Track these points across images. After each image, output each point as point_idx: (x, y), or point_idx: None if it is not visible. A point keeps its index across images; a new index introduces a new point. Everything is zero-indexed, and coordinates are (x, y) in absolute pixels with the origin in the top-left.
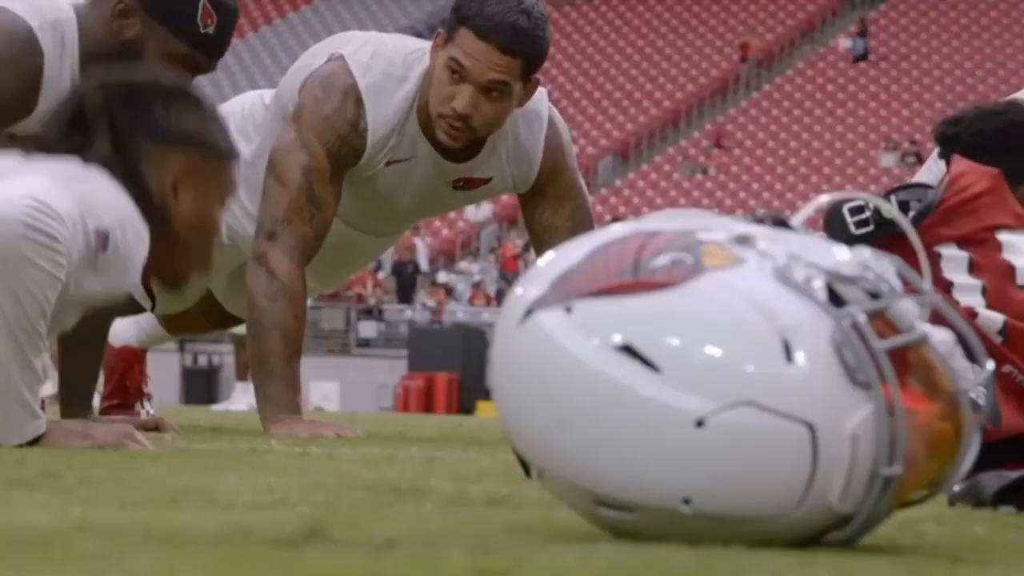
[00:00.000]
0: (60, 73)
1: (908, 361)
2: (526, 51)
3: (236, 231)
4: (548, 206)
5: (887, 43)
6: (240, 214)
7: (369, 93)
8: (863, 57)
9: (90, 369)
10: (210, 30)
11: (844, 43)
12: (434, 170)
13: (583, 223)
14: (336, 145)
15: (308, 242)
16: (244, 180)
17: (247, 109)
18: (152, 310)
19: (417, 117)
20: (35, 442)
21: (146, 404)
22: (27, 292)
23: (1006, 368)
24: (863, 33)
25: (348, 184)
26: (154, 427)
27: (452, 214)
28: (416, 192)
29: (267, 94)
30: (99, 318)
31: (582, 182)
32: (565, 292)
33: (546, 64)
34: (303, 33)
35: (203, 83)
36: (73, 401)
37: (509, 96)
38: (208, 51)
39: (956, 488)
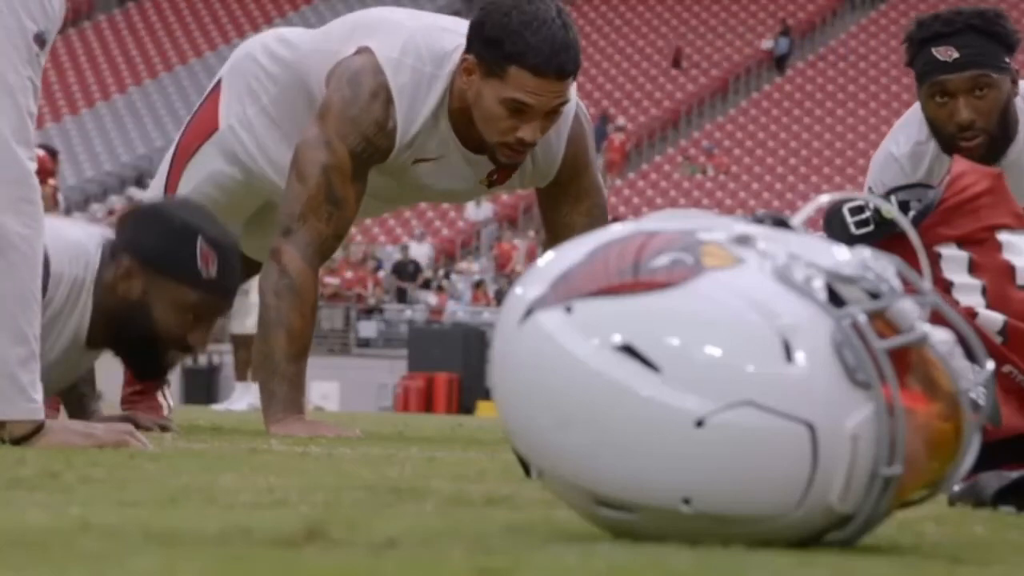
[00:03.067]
0: (63, 328)
1: (908, 361)
2: (576, 65)
3: (254, 172)
4: (568, 202)
5: (887, 43)
6: (260, 158)
7: (400, 93)
8: (785, 57)
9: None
10: (212, 272)
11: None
12: (470, 168)
13: (600, 221)
14: (360, 146)
15: (324, 240)
16: (269, 119)
17: (246, 65)
18: None
19: (449, 118)
20: (34, 435)
21: (167, 392)
22: (15, 254)
23: (1006, 368)
24: (785, 32)
25: (377, 174)
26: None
27: (452, 214)
28: (447, 186)
29: (271, 42)
30: None
31: (601, 181)
32: (565, 292)
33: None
34: None
35: (203, 82)
36: (76, 399)
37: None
38: (216, 292)
39: (956, 488)
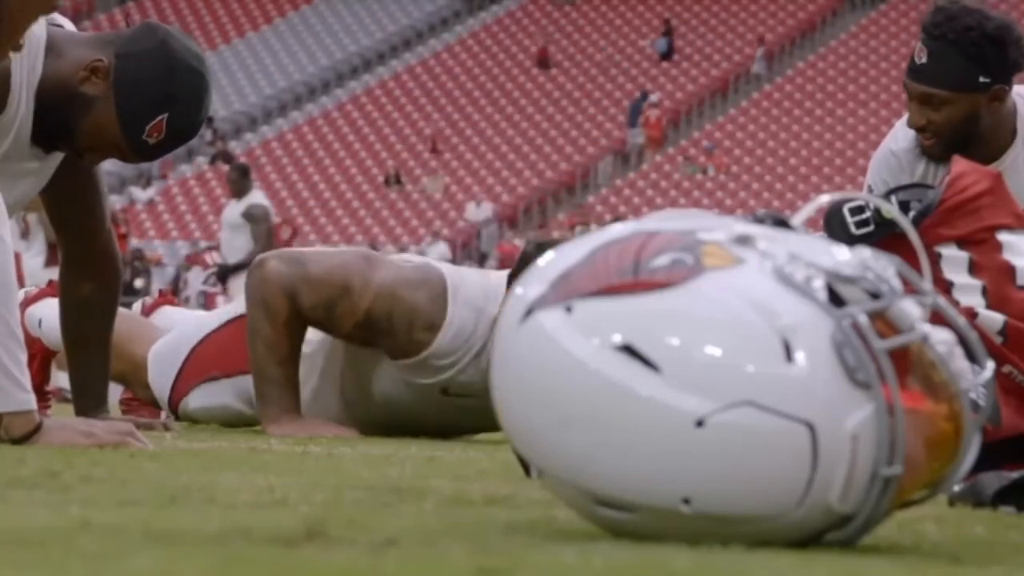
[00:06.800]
0: (23, 85)
1: (908, 361)
2: None
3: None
4: None
5: (887, 43)
6: None
7: (450, 324)
8: (668, 56)
9: (98, 367)
10: (150, 141)
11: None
12: None
13: None
14: (382, 323)
15: (300, 308)
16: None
17: None
18: (178, 420)
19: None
20: (34, 435)
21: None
22: None
23: (1006, 368)
24: (667, 33)
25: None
26: (157, 427)
27: (452, 213)
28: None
29: None
30: (105, 318)
31: None
32: (565, 292)
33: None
34: (303, 33)
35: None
36: (85, 401)
37: None
38: (138, 154)
39: (956, 488)
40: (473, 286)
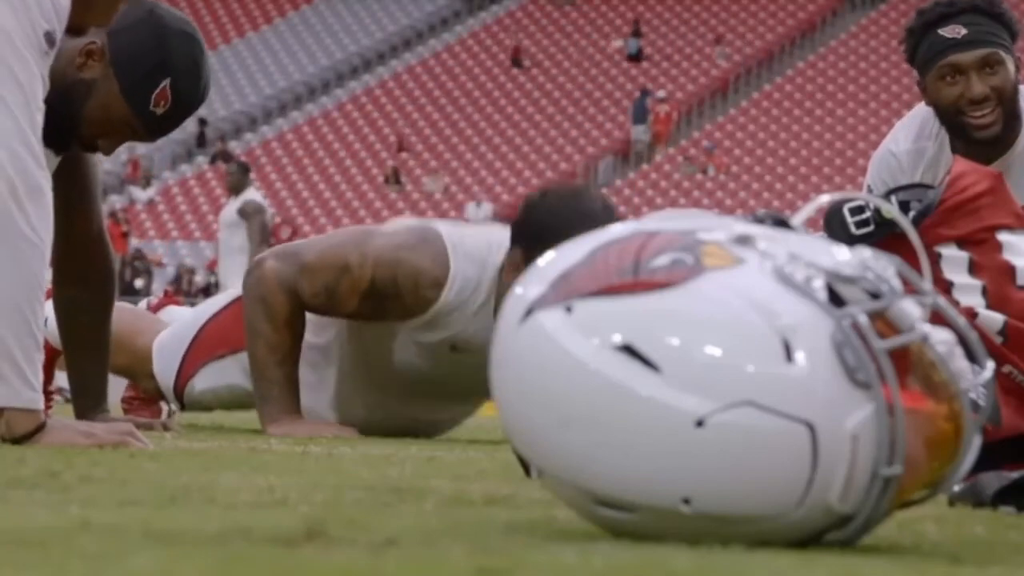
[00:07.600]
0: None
1: (908, 361)
2: None
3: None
4: None
5: (887, 43)
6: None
7: (454, 279)
8: (637, 56)
9: (95, 367)
10: (158, 111)
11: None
12: None
13: None
14: (388, 288)
15: (302, 298)
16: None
17: None
18: (182, 410)
19: (494, 314)
20: (35, 434)
21: (171, 403)
22: (24, 244)
23: (1006, 368)
24: (636, 33)
25: (416, 355)
26: (157, 428)
27: (452, 213)
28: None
29: None
30: (99, 317)
31: None
32: (565, 292)
33: (547, 63)
34: (303, 33)
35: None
36: (84, 401)
37: None
38: (149, 128)
39: (956, 488)
40: (473, 239)
